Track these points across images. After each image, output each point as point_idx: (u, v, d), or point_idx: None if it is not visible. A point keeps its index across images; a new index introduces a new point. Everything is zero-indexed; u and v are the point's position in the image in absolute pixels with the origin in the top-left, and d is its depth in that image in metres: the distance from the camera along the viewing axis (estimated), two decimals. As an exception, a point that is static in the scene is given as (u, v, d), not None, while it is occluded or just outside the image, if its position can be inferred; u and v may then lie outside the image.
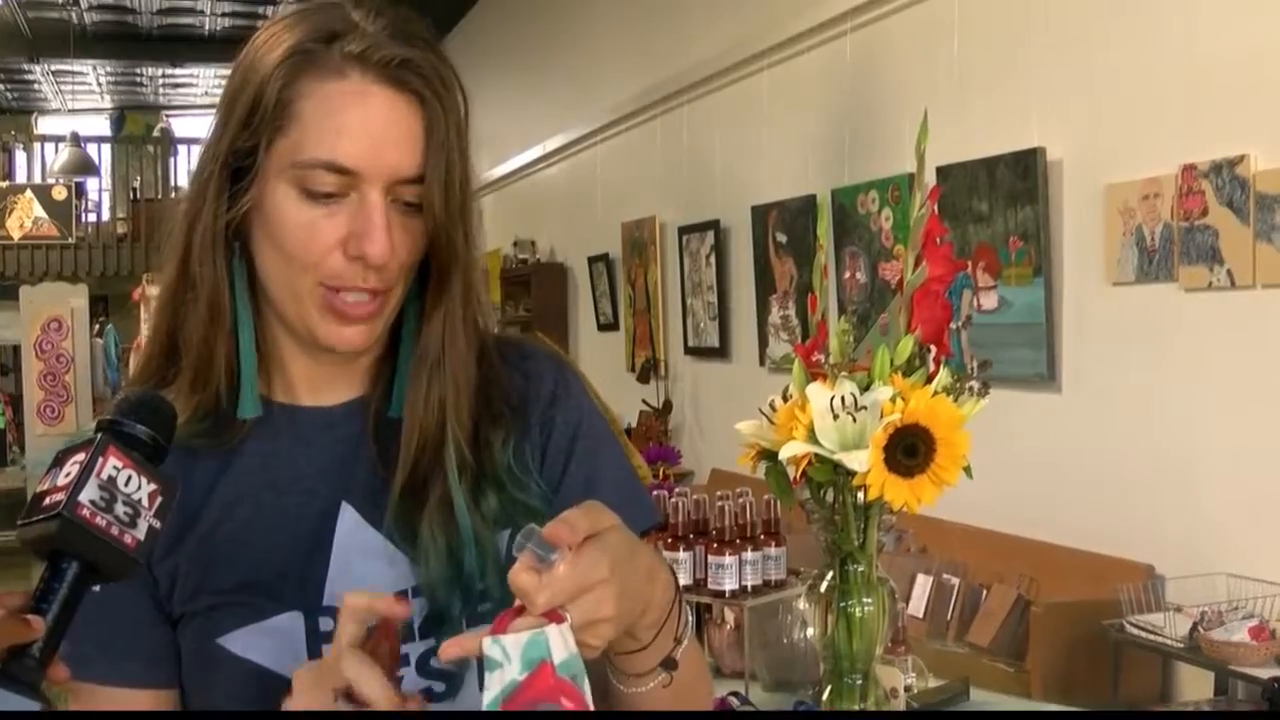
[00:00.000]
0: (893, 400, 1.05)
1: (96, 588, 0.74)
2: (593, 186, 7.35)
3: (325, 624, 0.93)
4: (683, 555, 2.19)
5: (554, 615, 0.75)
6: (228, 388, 0.96)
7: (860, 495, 1.06)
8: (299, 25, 0.92)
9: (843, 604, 1.12)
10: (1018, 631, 3.63)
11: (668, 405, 6.58)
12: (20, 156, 12.92)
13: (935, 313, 1.14)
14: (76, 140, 12.01)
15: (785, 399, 1.09)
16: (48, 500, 0.72)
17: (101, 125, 14.47)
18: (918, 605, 3.84)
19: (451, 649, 0.78)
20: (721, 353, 6.04)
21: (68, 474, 0.73)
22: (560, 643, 0.74)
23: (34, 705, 0.69)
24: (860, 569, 1.12)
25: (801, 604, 1.15)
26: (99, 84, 13.72)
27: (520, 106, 8.51)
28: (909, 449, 1.04)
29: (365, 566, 0.94)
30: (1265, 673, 2.89)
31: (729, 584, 2.17)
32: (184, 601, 0.94)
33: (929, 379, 1.10)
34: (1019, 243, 3.91)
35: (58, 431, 7.60)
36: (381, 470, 0.97)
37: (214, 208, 0.93)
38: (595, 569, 0.76)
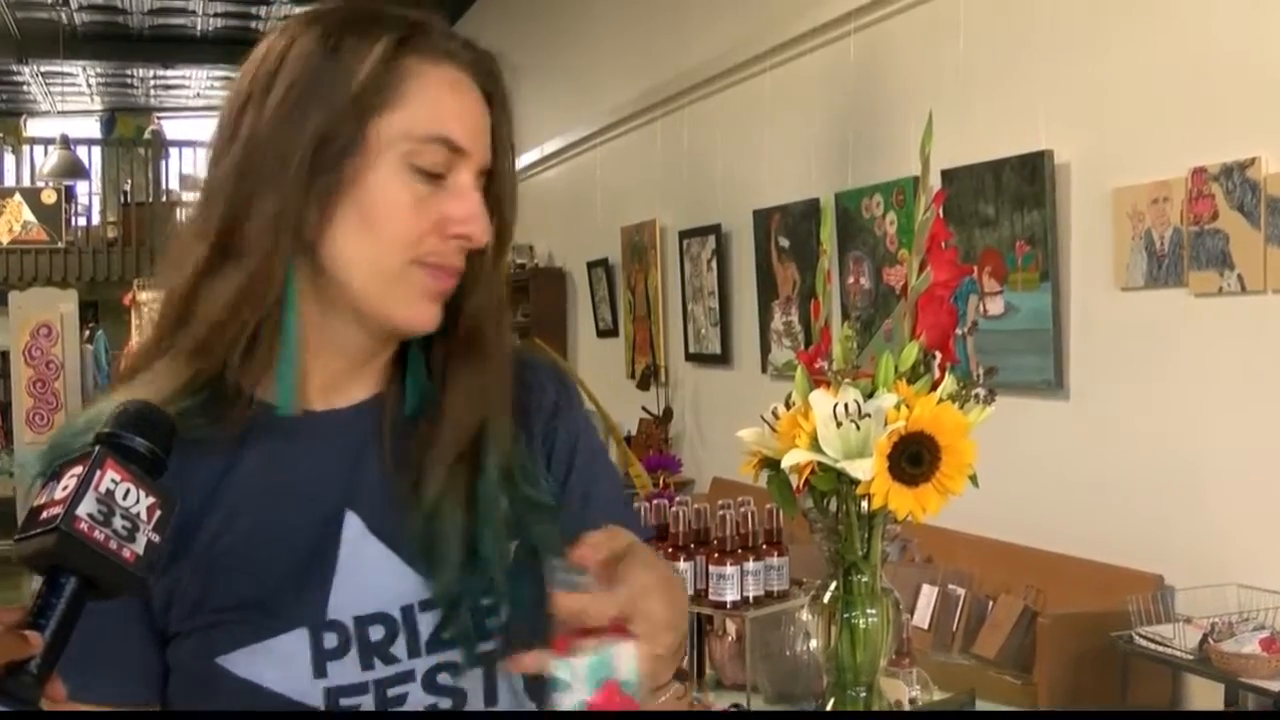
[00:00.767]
0: (897, 408, 1.05)
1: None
2: (592, 190, 7.34)
3: (330, 640, 0.91)
4: (683, 565, 2.18)
5: (618, 633, 0.78)
6: (243, 363, 0.92)
7: (864, 504, 1.07)
8: (377, 15, 0.94)
9: (846, 615, 1.12)
10: (1024, 643, 3.61)
11: (668, 413, 6.57)
12: (9, 159, 12.91)
13: (940, 318, 1.14)
14: (66, 143, 11.94)
15: (788, 406, 1.10)
16: (45, 514, 0.72)
17: (91, 127, 14.42)
18: (922, 616, 3.83)
19: (525, 664, 0.81)
20: (723, 359, 6.02)
21: (65, 487, 0.72)
22: (625, 661, 0.77)
23: None
24: (864, 579, 1.12)
25: (804, 615, 1.17)
26: (89, 85, 13.72)
27: (518, 108, 8.47)
28: (914, 457, 1.04)
29: (372, 578, 0.93)
30: (1277, 685, 2.86)
31: (730, 595, 2.15)
32: (181, 619, 0.91)
33: (934, 386, 1.11)
34: (1026, 247, 3.88)
35: (47, 439, 7.57)
36: (392, 473, 0.95)
37: (301, 186, 0.90)
38: (644, 577, 0.79)
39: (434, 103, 0.92)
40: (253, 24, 11.24)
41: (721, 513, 2.19)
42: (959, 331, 3.99)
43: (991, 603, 3.81)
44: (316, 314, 0.94)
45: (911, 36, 4.51)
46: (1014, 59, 4.03)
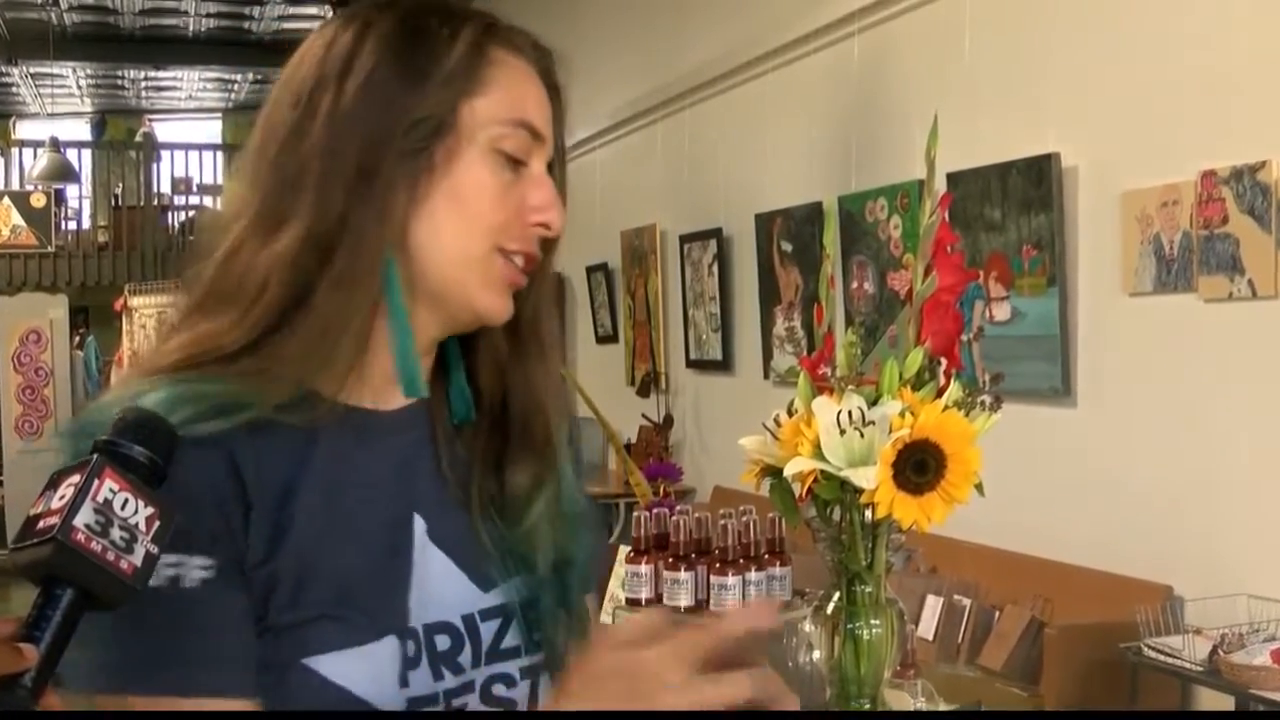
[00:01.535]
0: (902, 415, 1.05)
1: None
2: (591, 193, 7.30)
3: (410, 649, 0.89)
4: (684, 575, 2.18)
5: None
6: (355, 359, 0.89)
7: (868, 513, 1.07)
8: (449, 5, 0.95)
9: (850, 626, 1.12)
10: (1031, 654, 3.58)
11: (668, 420, 6.54)
12: (-2, 162, 12.94)
13: (945, 324, 1.14)
14: (56, 145, 11.89)
15: (790, 413, 1.10)
16: (42, 524, 0.71)
17: (82, 130, 14.43)
18: (927, 627, 3.81)
19: None
20: (724, 365, 5.99)
21: (62, 497, 0.71)
22: None
23: None
24: (868, 590, 1.12)
25: (807, 626, 1.16)
26: (79, 87, 13.74)
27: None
28: (919, 465, 1.04)
29: (436, 585, 0.92)
30: (1288, 697, 2.83)
31: (732, 605, 2.13)
32: (280, 610, 0.85)
33: (939, 393, 1.10)
34: (1032, 252, 3.86)
35: (36, 448, 7.54)
36: (448, 478, 0.95)
37: (403, 172, 0.89)
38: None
39: (518, 89, 0.94)
40: (245, 25, 11.26)
41: (723, 522, 2.20)
42: (964, 337, 3.96)
43: (998, 613, 3.78)
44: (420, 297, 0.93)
45: (916, 37, 4.49)
46: (1020, 60, 4.01)
